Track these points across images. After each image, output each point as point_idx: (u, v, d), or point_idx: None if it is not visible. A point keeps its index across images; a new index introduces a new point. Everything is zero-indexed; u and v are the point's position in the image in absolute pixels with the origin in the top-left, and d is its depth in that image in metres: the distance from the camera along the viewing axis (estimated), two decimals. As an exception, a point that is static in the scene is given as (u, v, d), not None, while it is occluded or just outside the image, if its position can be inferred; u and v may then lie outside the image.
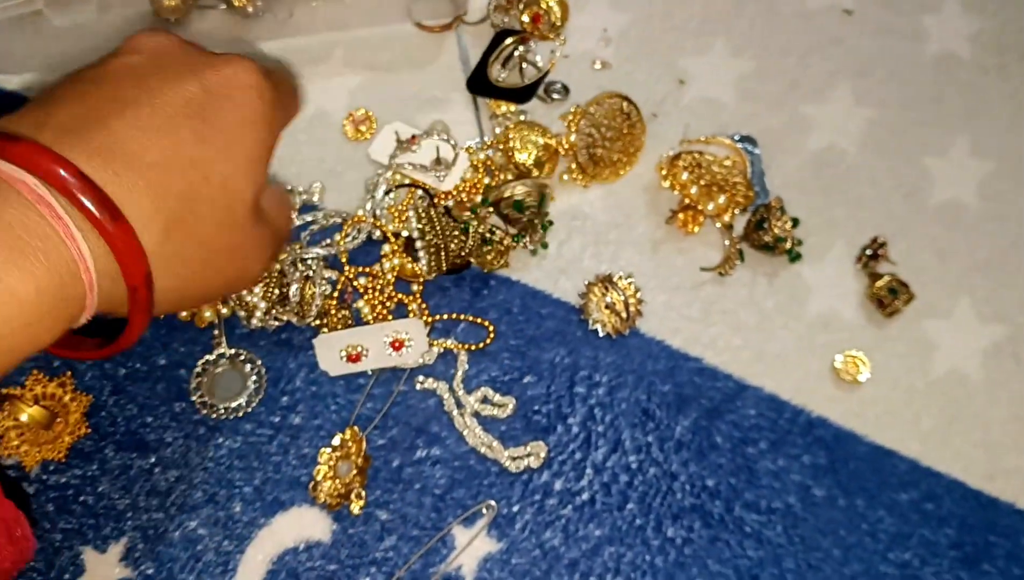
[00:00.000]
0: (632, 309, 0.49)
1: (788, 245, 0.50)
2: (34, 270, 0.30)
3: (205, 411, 0.47)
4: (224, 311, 0.48)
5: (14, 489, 0.46)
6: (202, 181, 0.35)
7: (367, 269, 0.49)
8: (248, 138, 0.37)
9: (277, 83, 0.40)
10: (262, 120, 0.38)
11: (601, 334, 0.49)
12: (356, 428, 0.46)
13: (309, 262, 0.48)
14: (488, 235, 0.49)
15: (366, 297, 0.49)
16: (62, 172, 0.31)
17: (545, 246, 0.50)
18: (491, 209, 0.50)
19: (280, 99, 0.39)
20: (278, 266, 0.48)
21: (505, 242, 0.49)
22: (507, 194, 0.49)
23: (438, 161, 0.51)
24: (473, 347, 0.48)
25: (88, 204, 0.31)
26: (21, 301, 0.30)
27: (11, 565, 0.32)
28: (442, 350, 0.48)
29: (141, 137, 0.34)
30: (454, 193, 0.50)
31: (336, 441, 0.46)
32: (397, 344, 0.47)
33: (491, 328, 0.49)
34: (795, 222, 0.51)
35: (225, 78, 0.37)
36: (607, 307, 0.49)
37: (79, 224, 0.31)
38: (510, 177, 0.51)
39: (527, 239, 0.50)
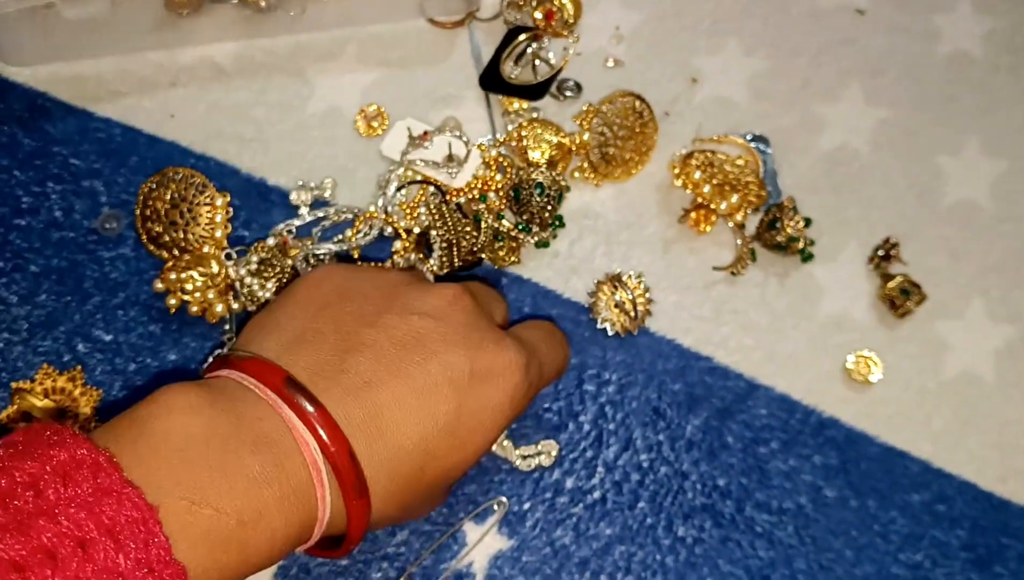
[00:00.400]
0: (641, 308, 0.49)
1: (800, 245, 0.50)
2: (294, 515, 0.34)
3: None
4: (235, 306, 0.48)
5: None
6: (432, 464, 0.37)
7: (379, 265, 0.49)
8: (486, 431, 0.39)
9: (539, 372, 0.42)
10: (503, 417, 0.39)
11: (610, 333, 0.49)
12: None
13: (321, 258, 0.48)
14: (496, 225, 0.49)
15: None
16: (333, 449, 0.35)
17: (547, 245, 0.50)
18: (511, 192, 0.50)
19: (535, 387, 0.42)
20: (290, 262, 0.48)
21: (513, 233, 0.49)
22: (533, 174, 0.49)
23: (450, 158, 0.51)
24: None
25: (349, 482, 0.35)
26: (278, 539, 0.34)
27: None
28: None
29: (400, 414, 0.36)
30: (466, 190, 0.50)
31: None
32: None
33: (503, 326, 0.49)
34: (807, 222, 0.51)
35: (494, 364, 0.39)
36: (616, 306, 0.49)
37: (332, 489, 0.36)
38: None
39: (535, 229, 0.50)
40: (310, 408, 0.35)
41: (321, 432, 0.34)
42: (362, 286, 0.40)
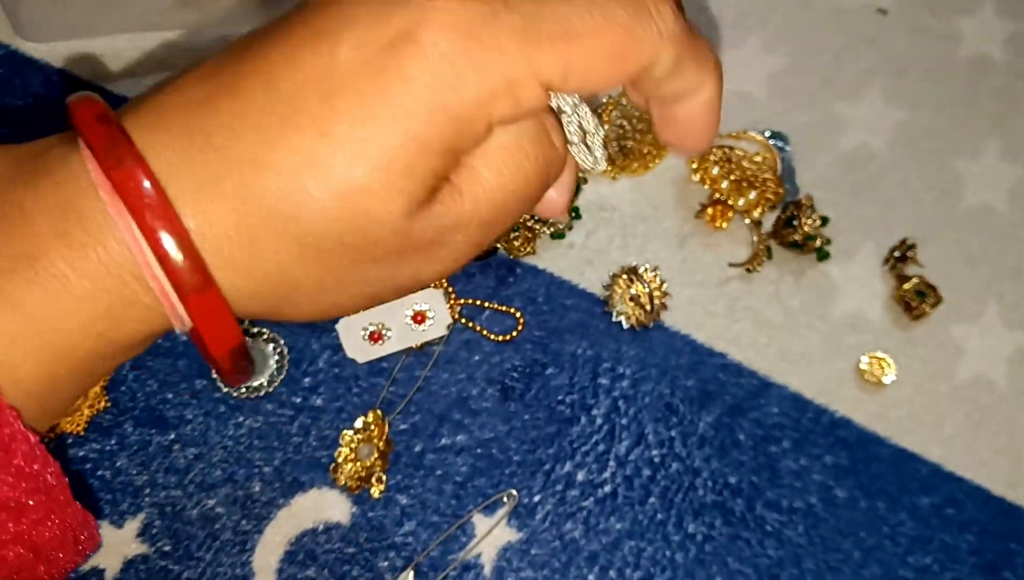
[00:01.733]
0: (657, 302, 0.49)
1: (817, 243, 0.50)
2: (89, 256, 0.25)
3: (226, 389, 0.47)
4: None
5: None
6: (308, 195, 0.25)
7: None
8: (397, 133, 0.25)
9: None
10: (432, 107, 0.25)
11: (625, 326, 0.49)
12: (379, 411, 0.46)
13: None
14: None
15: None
16: (160, 226, 0.24)
17: (562, 236, 0.50)
18: None
19: (490, 66, 0.26)
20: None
21: (529, 223, 0.49)
22: None
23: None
24: (503, 338, 0.48)
25: (175, 261, 0.25)
26: (75, 292, 0.25)
27: (72, 567, 0.30)
28: (458, 325, 0.48)
29: (239, 131, 0.25)
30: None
31: (359, 423, 0.46)
32: (419, 317, 0.47)
33: (520, 318, 0.49)
34: (824, 221, 0.50)
35: (389, 36, 0.25)
36: (631, 299, 0.49)
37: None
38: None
39: (551, 220, 0.49)
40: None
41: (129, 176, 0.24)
42: None
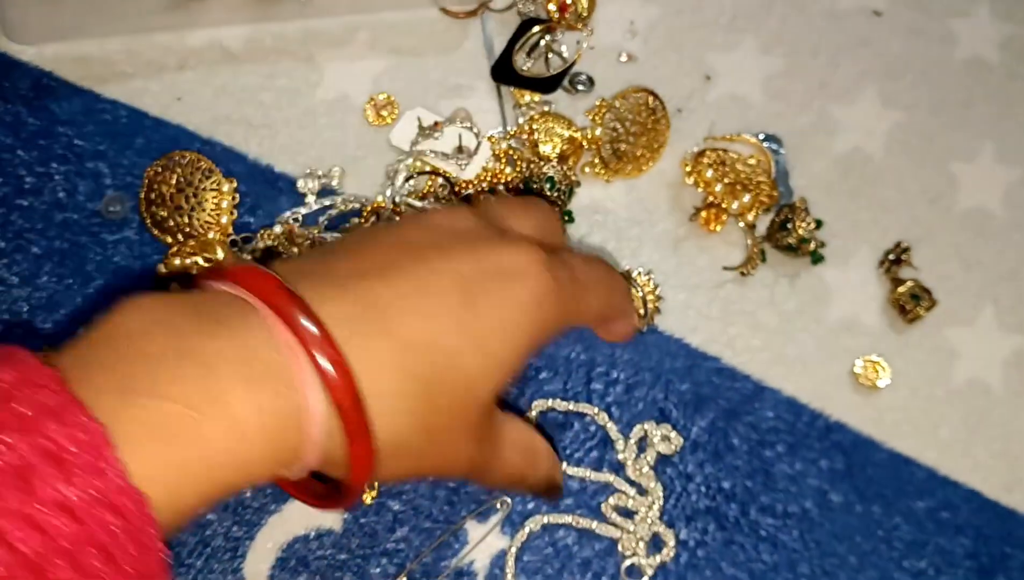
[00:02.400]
0: (650, 306, 0.49)
1: (812, 246, 0.50)
2: (264, 404, 0.29)
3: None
4: (240, 294, 0.47)
5: None
6: (448, 368, 0.32)
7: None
8: (507, 338, 0.33)
9: (572, 284, 0.36)
10: (530, 327, 0.34)
11: (619, 330, 0.48)
12: (371, 417, 0.46)
13: (328, 247, 0.48)
14: None
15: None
16: (334, 372, 0.30)
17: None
18: (521, 186, 0.49)
19: (570, 302, 0.36)
20: (296, 250, 0.47)
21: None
22: (544, 168, 0.49)
23: (460, 149, 0.50)
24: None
25: (336, 381, 0.30)
26: (247, 435, 0.29)
27: None
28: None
29: (399, 304, 0.32)
30: (475, 182, 0.50)
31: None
32: None
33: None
34: (819, 224, 0.50)
35: (506, 266, 0.34)
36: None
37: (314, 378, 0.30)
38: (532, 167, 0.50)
39: None
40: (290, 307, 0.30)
41: (304, 323, 0.29)
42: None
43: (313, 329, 0.29)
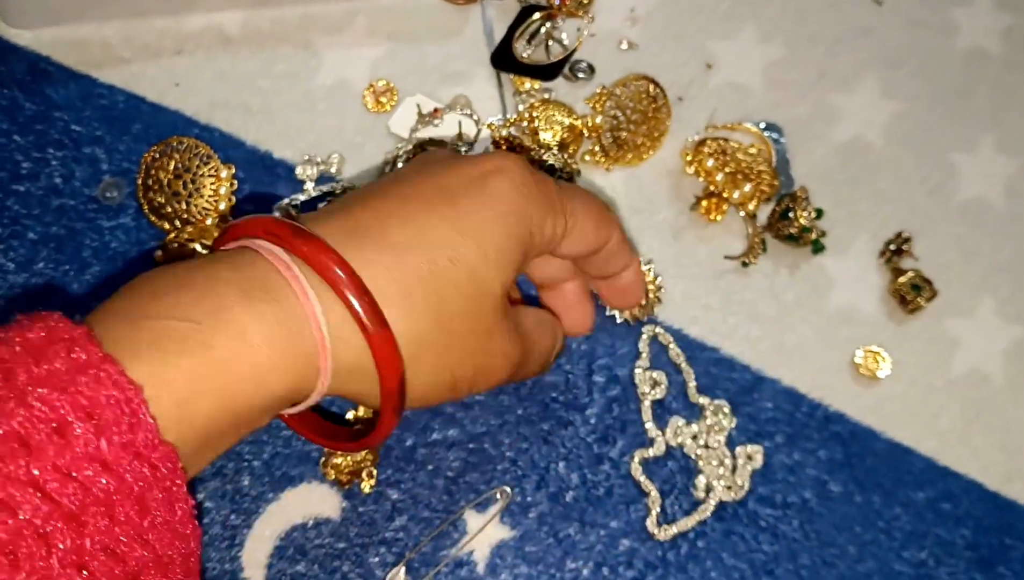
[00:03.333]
0: (651, 296, 0.49)
1: (812, 236, 0.50)
2: (265, 313, 0.30)
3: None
4: (238, 281, 0.47)
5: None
6: (447, 263, 0.34)
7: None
8: (499, 226, 0.35)
9: (545, 187, 0.38)
10: (516, 213, 0.36)
11: (619, 320, 0.48)
12: (370, 405, 0.46)
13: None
14: None
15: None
16: (337, 270, 0.31)
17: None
18: None
19: (553, 198, 0.38)
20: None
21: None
22: (544, 156, 0.48)
23: (460, 136, 0.50)
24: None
25: (354, 302, 0.31)
26: (251, 341, 0.30)
27: None
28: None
29: (386, 220, 0.34)
30: (475, 170, 0.49)
31: (349, 416, 0.45)
32: None
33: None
34: (819, 213, 0.50)
35: (483, 169, 0.36)
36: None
37: (315, 287, 0.31)
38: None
39: None
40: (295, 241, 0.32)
41: (299, 240, 0.31)
42: None
43: (309, 242, 0.31)
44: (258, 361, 0.30)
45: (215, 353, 0.29)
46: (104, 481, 0.26)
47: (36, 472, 0.25)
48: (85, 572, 0.26)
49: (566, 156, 0.49)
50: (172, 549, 0.28)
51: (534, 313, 0.41)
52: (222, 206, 0.48)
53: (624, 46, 0.54)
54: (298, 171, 0.49)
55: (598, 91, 0.52)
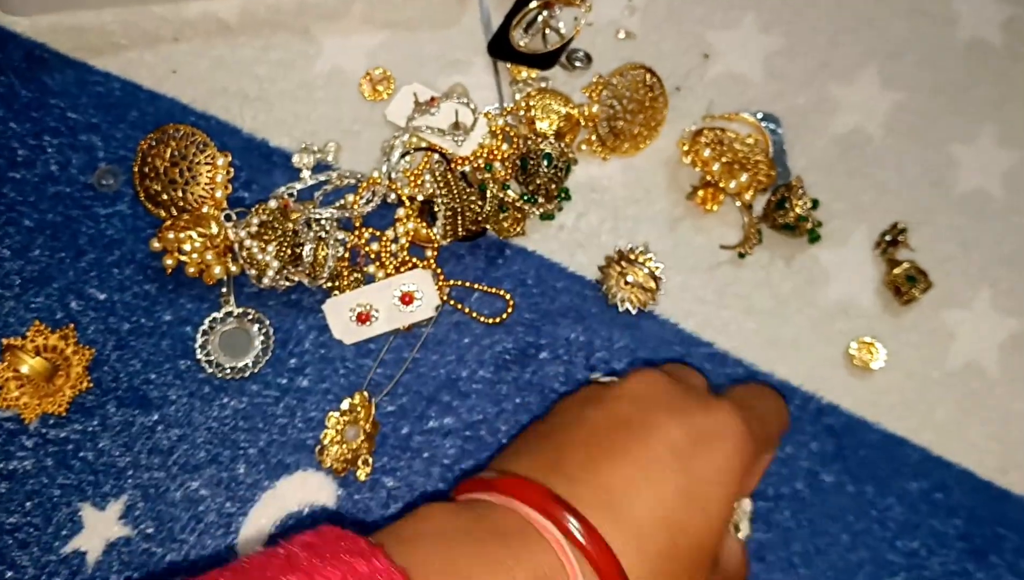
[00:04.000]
0: (654, 282, 0.49)
1: (809, 225, 0.49)
2: None
3: (210, 370, 0.46)
4: (233, 269, 0.47)
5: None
6: (681, 536, 0.36)
7: (381, 233, 0.48)
8: (723, 493, 0.37)
9: (761, 427, 0.40)
10: (735, 476, 0.38)
11: (633, 311, 0.48)
12: (366, 393, 0.46)
13: (323, 223, 0.47)
14: (502, 194, 0.48)
15: (379, 261, 0.48)
16: (578, 533, 0.33)
17: (551, 217, 0.49)
18: (518, 162, 0.49)
19: (760, 442, 0.40)
20: (291, 225, 0.47)
21: (518, 204, 0.48)
22: (541, 145, 0.48)
23: (456, 125, 0.50)
24: (493, 320, 0.48)
25: (606, 568, 0.33)
26: None
27: None
28: (447, 306, 0.48)
29: (630, 489, 0.35)
30: (471, 158, 0.49)
31: (345, 405, 0.45)
32: (407, 298, 0.46)
33: (510, 300, 0.48)
34: (815, 203, 0.50)
35: (708, 427, 0.38)
36: (627, 284, 0.48)
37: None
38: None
39: (541, 201, 0.49)
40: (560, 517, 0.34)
41: (573, 525, 0.34)
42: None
43: (579, 529, 0.34)
44: None
45: None
46: None
47: None
48: None
49: (563, 145, 0.49)
50: None
51: (732, 549, 0.42)
52: (218, 194, 0.48)
53: (622, 35, 0.54)
54: (295, 159, 0.49)
55: (595, 80, 0.51)
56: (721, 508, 0.37)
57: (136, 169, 0.48)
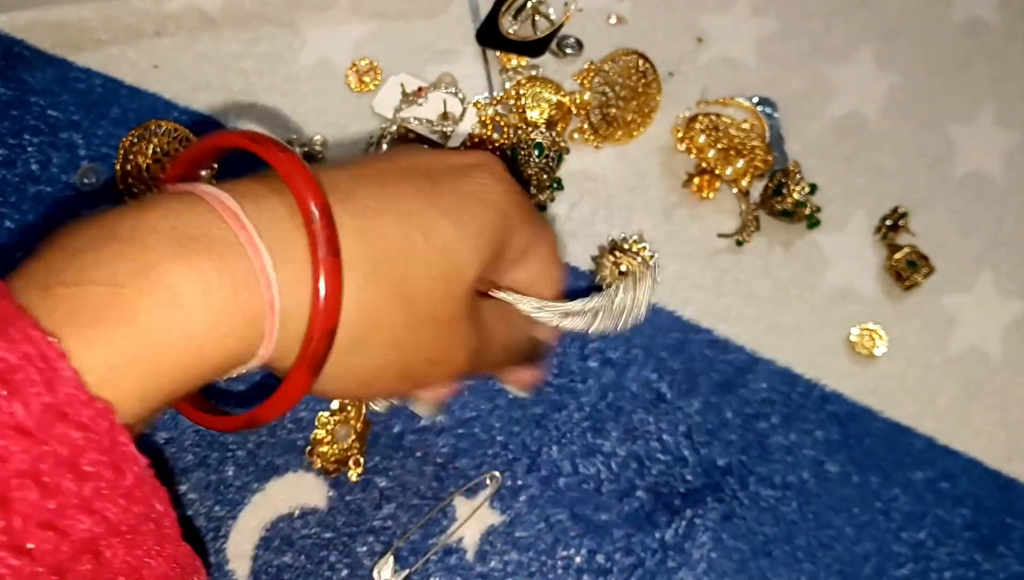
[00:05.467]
0: (649, 277, 0.47)
1: (807, 210, 0.48)
2: (203, 269, 0.26)
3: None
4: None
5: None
6: (420, 236, 0.31)
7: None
8: (479, 212, 0.33)
9: (528, 208, 0.36)
10: (496, 207, 0.33)
11: (616, 300, 0.47)
12: (356, 392, 0.45)
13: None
14: None
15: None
16: (311, 204, 0.28)
17: (544, 208, 0.48)
18: (509, 153, 0.48)
19: (522, 212, 0.35)
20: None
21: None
22: (532, 135, 0.47)
23: (445, 116, 0.49)
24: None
25: (318, 228, 0.28)
26: (185, 304, 0.26)
27: None
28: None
29: (360, 183, 0.31)
30: (460, 149, 0.48)
31: (335, 405, 0.44)
32: None
33: (499, 291, 0.47)
34: (813, 188, 0.49)
35: (467, 161, 0.34)
36: (622, 274, 0.47)
37: (265, 238, 0.28)
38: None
39: (533, 191, 0.48)
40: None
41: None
42: None
43: (290, 157, 0.28)
44: (192, 328, 0.26)
45: (140, 322, 0.25)
46: (24, 450, 0.23)
47: None
48: (25, 549, 0.23)
49: (554, 134, 0.48)
50: (129, 516, 0.25)
51: (496, 304, 0.37)
52: (203, 190, 0.47)
53: (613, 20, 0.53)
54: (280, 154, 0.48)
55: (586, 67, 0.50)
56: (479, 227, 0.32)
57: (118, 167, 0.47)
